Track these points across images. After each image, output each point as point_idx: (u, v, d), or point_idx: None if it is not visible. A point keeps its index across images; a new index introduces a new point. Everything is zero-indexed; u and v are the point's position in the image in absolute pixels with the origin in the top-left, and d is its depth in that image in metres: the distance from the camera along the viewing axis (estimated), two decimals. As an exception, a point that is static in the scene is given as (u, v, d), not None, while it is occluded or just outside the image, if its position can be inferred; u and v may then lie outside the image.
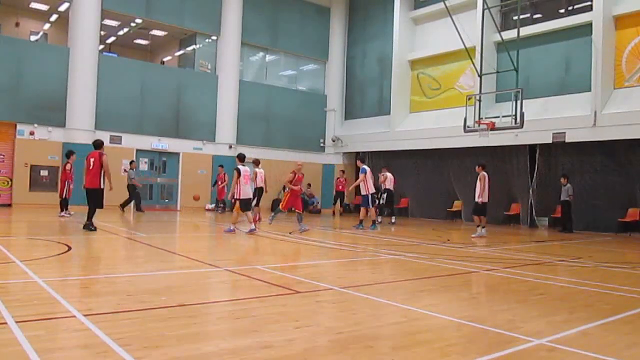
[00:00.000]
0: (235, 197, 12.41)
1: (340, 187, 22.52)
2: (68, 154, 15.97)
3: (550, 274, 7.87)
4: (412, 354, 3.75)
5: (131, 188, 19.32)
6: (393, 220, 18.35)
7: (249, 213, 12.63)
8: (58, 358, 3.38)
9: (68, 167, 15.90)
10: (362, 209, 15.69)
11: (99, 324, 4.07)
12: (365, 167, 15.51)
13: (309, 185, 25.16)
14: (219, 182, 21.42)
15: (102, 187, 11.68)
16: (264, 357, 3.52)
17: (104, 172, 11.65)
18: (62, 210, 15.77)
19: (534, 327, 4.62)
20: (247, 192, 12.45)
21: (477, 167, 14.57)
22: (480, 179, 14.22)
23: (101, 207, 11.82)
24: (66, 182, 15.80)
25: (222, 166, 21.67)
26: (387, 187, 18.09)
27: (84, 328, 4.04)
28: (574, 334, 4.45)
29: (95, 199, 11.71)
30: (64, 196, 15.83)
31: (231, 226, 12.49)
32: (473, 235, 14.23)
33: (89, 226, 11.48)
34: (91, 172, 11.58)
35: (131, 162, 19.94)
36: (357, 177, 18.54)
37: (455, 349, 3.95)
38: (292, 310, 5.01)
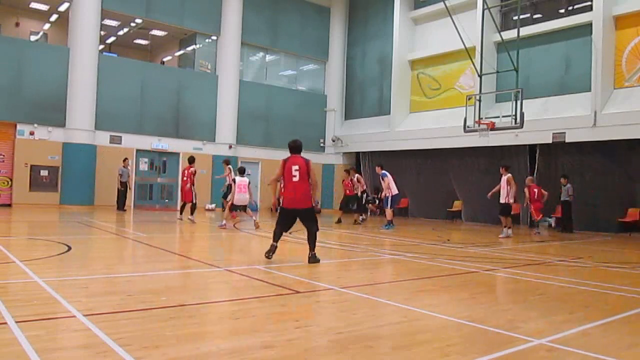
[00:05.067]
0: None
1: (348, 191, 18.43)
2: (191, 160, 15.46)
3: (550, 274, 7.87)
4: (412, 354, 3.75)
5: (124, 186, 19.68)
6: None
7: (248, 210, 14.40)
8: (58, 358, 3.38)
9: (193, 170, 15.23)
10: (388, 210, 16.04)
11: (99, 324, 4.07)
12: (386, 172, 16.05)
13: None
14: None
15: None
16: (264, 357, 3.52)
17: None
18: (192, 214, 15.22)
19: (534, 327, 4.62)
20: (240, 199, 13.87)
21: (501, 169, 14.77)
22: (508, 181, 14.33)
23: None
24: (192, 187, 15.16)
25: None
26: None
27: (84, 328, 4.04)
28: (573, 334, 4.45)
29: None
30: (194, 201, 15.22)
31: (223, 221, 13.98)
32: (500, 236, 14.36)
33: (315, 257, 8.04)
34: (298, 185, 8.01)
35: (125, 160, 20.05)
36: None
37: (455, 349, 3.95)
38: (292, 310, 5.01)
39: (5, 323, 4.00)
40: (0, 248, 8.27)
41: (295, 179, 7.96)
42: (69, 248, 8.58)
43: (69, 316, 4.36)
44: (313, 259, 7.95)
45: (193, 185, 15.20)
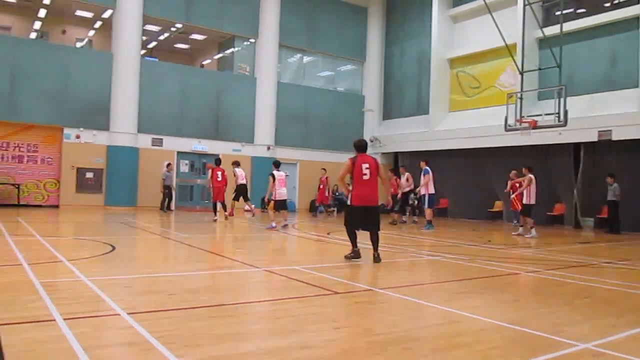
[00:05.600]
0: (271, 198, 13.76)
1: (393, 189, 17.72)
2: (219, 162, 16.70)
3: (596, 276, 7.63)
4: (452, 356, 3.70)
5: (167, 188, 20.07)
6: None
7: (285, 212, 14.10)
8: (104, 355, 3.47)
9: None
10: (427, 210, 15.90)
11: (142, 322, 4.16)
12: (429, 168, 15.86)
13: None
14: (321, 186, 21.55)
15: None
16: (303, 357, 3.53)
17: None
18: (226, 210, 16.45)
19: (579, 330, 4.49)
20: (282, 194, 13.75)
21: (524, 169, 14.57)
22: (529, 181, 14.20)
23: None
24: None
25: (324, 169, 21.70)
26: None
27: (127, 326, 4.14)
28: (621, 338, 4.30)
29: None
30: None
31: (272, 223, 13.67)
32: (527, 236, 14.13)
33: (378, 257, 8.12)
34: (369, 183, 8.19)
35: (168, 165, 20.42)
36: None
37: (496, 352, 3.88)
38: (330, 310, 5.01)
39: (54, 320, 4.15)
40: (48, 248, 8.58)
41: (366, 177, 8.12)
42: (113, 248, 8.82)
43: (113, 314, 4.48)
44: (378, 259, 8.06)
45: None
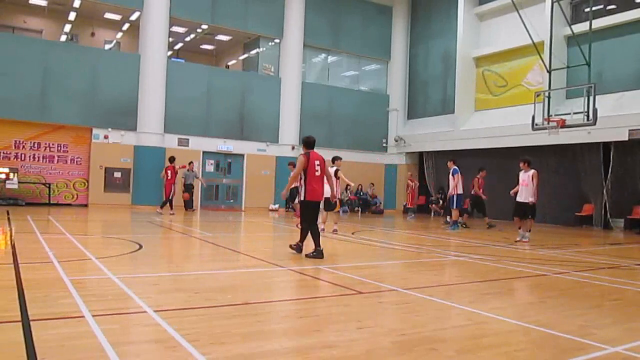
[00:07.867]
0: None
1: (482, 189, 16.99)
2: (172, 160, 17.76)
3: (627, 278, 7.46)
4: (477, 358, 3.66)
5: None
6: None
7: (325, 214, 13.33)
8: (131, 351, 3.53)
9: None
10: (455, 210, 15.71)
11: (168, 320, 4.22)
12: (457, 168, 15.71)
13: (372, 185, 25.08)
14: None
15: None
16: (327, 357, 3.54)
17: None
18: (170, 208, 17.60)
19: (609, 333, 4.40)
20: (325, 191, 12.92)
21: (522, 163, 12.24)
22: (532, 177, 11.95)
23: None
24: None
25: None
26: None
27: (154, 323, 4.21)
28: (653, 342, 4.20)
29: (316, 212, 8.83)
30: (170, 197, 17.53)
31: (322, 225, 12.50)
32: (517, 239, 12.37)
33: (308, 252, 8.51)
34: (320, 179, 8.76)
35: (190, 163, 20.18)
36: (423, 177, 18.45)
37: (522, 354, 3.83)
38: (354, 310, 5.01)
39: (83, 316, 4.24)
40: (78, 246, 8.75)
41: (318, 174, 8.58)
42: (140, 246, 8.95)
43: (140, 311, 4.56)
44: (322, 254, 8.29)
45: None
